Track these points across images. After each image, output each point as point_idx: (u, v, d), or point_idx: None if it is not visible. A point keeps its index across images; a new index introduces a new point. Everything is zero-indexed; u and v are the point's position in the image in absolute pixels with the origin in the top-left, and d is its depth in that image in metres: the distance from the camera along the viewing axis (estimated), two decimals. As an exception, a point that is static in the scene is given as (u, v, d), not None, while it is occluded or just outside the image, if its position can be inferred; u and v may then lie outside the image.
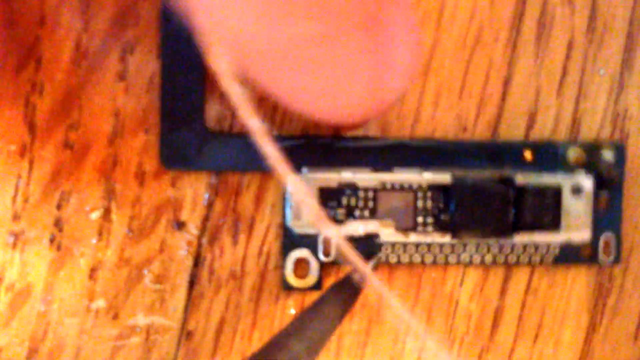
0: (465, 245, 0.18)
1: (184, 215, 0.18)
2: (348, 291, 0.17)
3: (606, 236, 0.19)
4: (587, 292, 0.19)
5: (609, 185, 0.19)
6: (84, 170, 0.18)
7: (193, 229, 0.18)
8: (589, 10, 0.19)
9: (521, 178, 0.18)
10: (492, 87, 0.19)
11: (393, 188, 0.18)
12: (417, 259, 0.18)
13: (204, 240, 0.18)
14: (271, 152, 0.14)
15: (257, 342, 0.19)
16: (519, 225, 0.18)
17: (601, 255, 0.19)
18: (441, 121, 0.19)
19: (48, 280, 0.18)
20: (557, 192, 0.18)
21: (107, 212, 0.18)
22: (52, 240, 0.18)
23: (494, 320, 0.19)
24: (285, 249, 0.18)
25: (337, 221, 0.18)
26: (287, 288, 0.18)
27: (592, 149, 0.19)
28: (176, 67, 0.18)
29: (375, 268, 0.18)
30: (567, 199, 0.18)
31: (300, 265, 0.18)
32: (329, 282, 0.19)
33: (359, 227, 0.18)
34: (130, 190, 0.18)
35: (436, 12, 0.19)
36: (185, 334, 0.18)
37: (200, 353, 0.18)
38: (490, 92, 0.19)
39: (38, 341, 0.18)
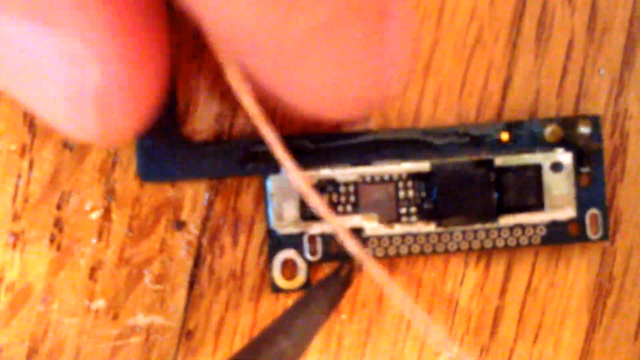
0: (451, 233, 0.18)
1: (184, 215, 0.18)
2: (335, 287, 0.17)
3: (592, 212, 0.19)
4: (587, 292, 0.20)
5: (588, 159, 0.19)
6: (84, 170, 0.18)
7: (193, 229, 0.18)
8: (589, 10, 0.19)
9: (500, 159, 0.18)
10: (492, 87, 0.19)
11: (373, 181, 0.18)
12: (404, 250, 0.18)
13: (204, 240, 0.18)
14: (277, 148, 0.14)
15: (257, 342, 0.19)
16: (503, 208, 0.18)
17: (589, 233, 0.19)
18: (441, 121, 0.19)
19: (48, 280, 0.18)
20: (537, 171, 0.18)
21: (107, 212, 0.18)
22: (52, 240, 0.18)
23: (494, 320, 0.19)
24: (271, 251, 0.18)
25: (320, 219, 0.18)
26: (276, 290, 0.18)
27: (569, 125, 0.19)
28: None
29: (362, 264, 0.18)
30: (548, 177, 0.18)
31: (288, 267, 0.18)
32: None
33: (342, 223, 0.18)
34: (130, 190, 0.18)
35: (436, 11, 0.19)
36: (185, 334, 0.18)
37: (200, 353, 0.18)
38: (490, 92, 0.19)
39: (38, 341, 0.18)
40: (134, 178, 0.18)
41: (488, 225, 0.18)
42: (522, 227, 0.18)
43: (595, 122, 0.19)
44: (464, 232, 0.18)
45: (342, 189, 0.18)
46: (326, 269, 0.19)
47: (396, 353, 0.19)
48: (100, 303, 0.18)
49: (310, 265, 0.18)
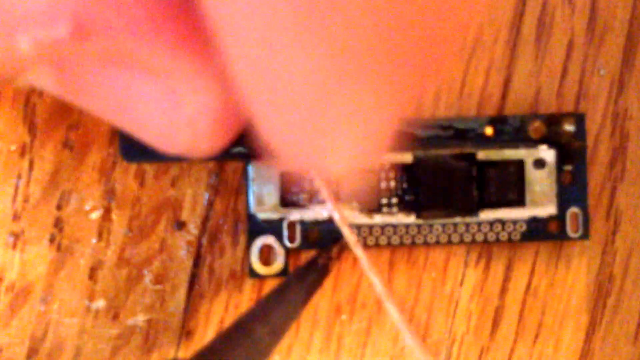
0: (431, 226, 0.18)
1: (184, 215, 0.18)
2: (312, 275, 0.17)
3: (573, 210, 0.19)
4: (587, 292, 0.19)
5: (572, 157, 0.19)
6: (84, 170, 0.18)
7: (193, 229, 0.18)
8: (589, 10, 0.19)
9: (482, 154, 0.18)
10: (492, 87, 0.19)
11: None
12: (383, 241, 0.18)
13: (204, 240, 0.18)
14: None
15: (257, 342, 0.19)
16: (484, 202, 0.18)
17: (569, 231, 0.19)
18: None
19: (48, 280, 0.18)
20: (519, 166, 0.18)
21: (107, 212, 0.18)
22: (52, 240, 0.18)
23: (494, 320, 0.19)
24: (250, 237, 0.18)
25: (300, 206, 0.18)
26: (254, 276, 0.18)
27: (553, 122, 0.19)
28: None
29: (340, 252, 0.18)
30: (530, 173, 0.18)
31: (266, 252, 0.18)
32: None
33: (322, 211, 0.18)
34: (130, 190, 0.18)
35: (436, 12, 0.19)
36: (185, 334, 0.18)
37: (200, 353, 0.18)
38: (490, 92, 0.19)
39: (38, 341, 0.18)
40: (134, 178, 0.18)
41: (468, 219, 0.18)
42: (502, 222, 0.18)
43: (580, 120, 0.19)
44: (443, 225, 0.18)
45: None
46: (304, 256, 0.18)
47: (396, 353, 0.19)
48: (100, 303, 0.18)
49: (289, 251, 0.18)
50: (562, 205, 0.19)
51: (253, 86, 0.12)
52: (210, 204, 0.18)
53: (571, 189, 0.19)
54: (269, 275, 0.18)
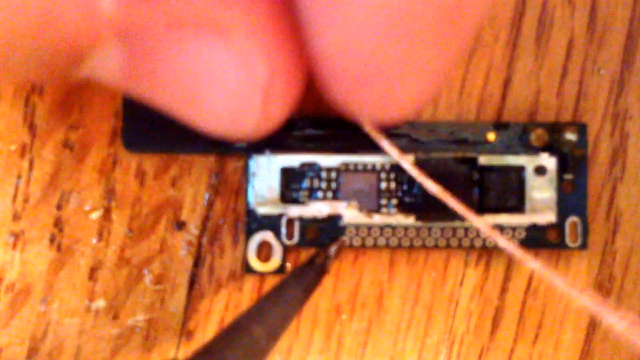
0: (429, 229, 0.18)
1: (184, 215, 0.18)
2: (311, 275, 0.17)
3: (572, 220, 0.19)
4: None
5: (573, 166, 0.19)
6: (84, 170, 0.18)
7: (193, 229, 0.18)
8: (589, 10, 0.19)
9: (484, 159, 0.18)
10: (492, 87, 0.19)
11: (356, 169, 0.18)
12: (381, 242, 0.18)
13: (204, 240, 0.18)
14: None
15: (257, 342, 0.19)
16: (484, 207, 0.18)
17: (568, 240, 0.19)
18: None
19: (48, 280, 0.18)
20: (520, 173, 0.18)
21: (107, 212, 0.18)
22: (52, 240, 0.18)
23: (494, 320, 0.19)
24: (248, 232, 0.18)
25: (299, 202, 0.18)
26: (250, 271, 0.18)
27: (555, 130, 0.19)
28: None
29: (339, 251, 0.18)
30: (531, 180, 0.18)
31: (264, 249, 0.18)
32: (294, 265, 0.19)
33: (321, 208, 0.18)
34: (130, 190, 0.18)
35: (436, 12, 0.19)
36: (185, 334, 0.18)
37: (200, 353, 0.18)
38: (490, 92, 0.19)
39: (38, 341, 0.18)
40: (134, 178, 0.18)
41: (467, 224, 0.18)
42: (502, 228, 0.18)
43: (582, 129, 0.19)
44: (442, 229, 0.18)
45: (323, 174, 0.18)
46: (302, 254, 0.19)
47: (396, 353, 0.19)
48: (100, 303, 0.18)
49: (286, 249, 0.18)
50: (562, 214, 0.19)
51: (334, 51, 0.12)
52: (210, 204, 0.18)
53: (571, 198, 0.19)
54: (266, 272, 0.18)
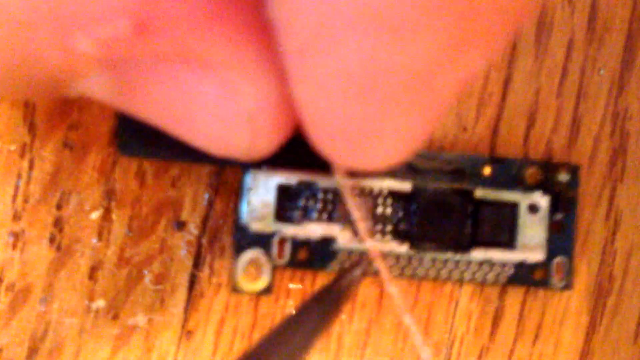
0: (421, 259, 0.18)
1: (184, 215, 0.18)
2: (332, 301, 0.16)
3: (558, 260, 0.19)
4: (587, 292, 0.19)
5: (563, 206, 0.19)
6: (84, 170, 0.18)
7: (193, 229, 0.18)
8: (589, 10, 0.19)
9: (480, 192, 0.18)
10: (492, 87, 0.19)
11: (353, 192, 0.18)
12: (371, 268, 0.18)
13: (204, 240, 0.18)
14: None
15: (257, 342, 0.19)
16: (476, 240, 0.18)
17: (554, 280, 0.19)
18: (441, 122, 0.19)
19: (48, 280, 0.18)
20: (514, 209, 0.18)
21: (107, 212, 0.18)
22: (52, 240, 0.18)
23: (494, 320, 0.19)
24: (237, 249, 0.18)
25: (294, 221, 0.18)
26: (236, 291, 0.18)
27: (549, 169, 0.19)
28: None
29: (364, 274, 0.17)
30: (524, 217, 0.18)
31: (252, 267, 0.18)
32: (281, 286, 0.18)
33: (316, 229, 0.18)
34: (130, 190, 0.18)
35: (436, 12, 0.19)
36: (185, 334, 0.18)
37: (200, 353, 0.18)
38: (490, 92, 0.19)
39: (38, 341, 0.18)
40: (134, 178, 0.18)
41: (459, 256, 0.18)
42: (491, 263, 0.18)
43: (574, 170, 0.19)
44: (434, 260, 0.18)
45: (320, 195, 0.18)
46: (290, 275, 0.18)
47: (396, 353, 0.19)
48: (100, 303, 0.18)
49: (275, 268, 0.18)
50: (549, 254, 0.19)
51: (310, 89, 0.12)
52: (210, 204, 0.18)
53: (559, 238, 0.19)
54: (252, 293, 0.18)
